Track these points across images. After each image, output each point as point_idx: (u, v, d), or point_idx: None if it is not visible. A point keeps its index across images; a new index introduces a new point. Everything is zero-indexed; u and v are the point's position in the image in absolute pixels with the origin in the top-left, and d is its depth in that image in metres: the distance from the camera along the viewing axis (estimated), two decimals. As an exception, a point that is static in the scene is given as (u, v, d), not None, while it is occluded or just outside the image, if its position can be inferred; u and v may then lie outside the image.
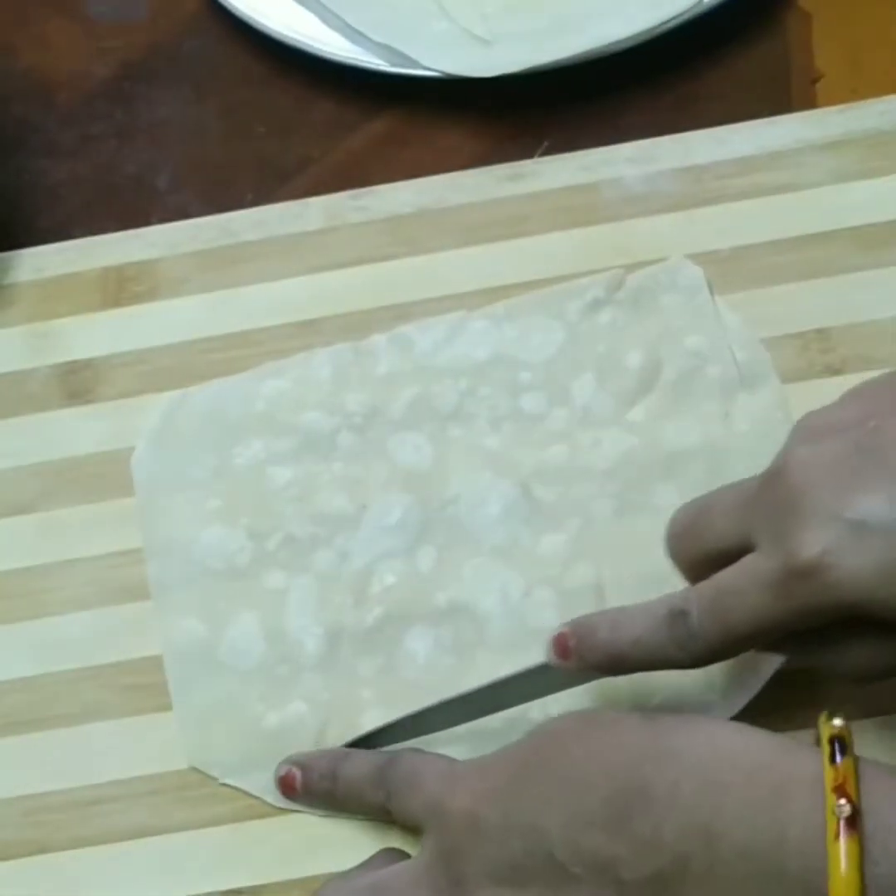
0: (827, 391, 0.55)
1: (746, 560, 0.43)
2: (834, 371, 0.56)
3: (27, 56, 0.69)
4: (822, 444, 0.43)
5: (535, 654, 0.51)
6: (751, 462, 0.54)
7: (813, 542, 0.41)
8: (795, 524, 0.42)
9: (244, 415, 0.58)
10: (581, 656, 0.46)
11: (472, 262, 0.60)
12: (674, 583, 0.52)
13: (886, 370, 0.55)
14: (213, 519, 0.56)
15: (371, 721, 0.52)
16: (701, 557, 0.46)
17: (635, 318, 0.58)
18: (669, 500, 0.54)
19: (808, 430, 0.44)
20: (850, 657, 0.43)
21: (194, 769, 0.52)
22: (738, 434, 0.55)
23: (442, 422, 0.57)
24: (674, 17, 0.63)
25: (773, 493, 0.43)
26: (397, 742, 0.51)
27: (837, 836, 0.38)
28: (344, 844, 0.50)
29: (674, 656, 0.45)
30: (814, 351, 0.57)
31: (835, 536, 0.41)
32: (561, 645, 0.46)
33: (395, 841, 0.50)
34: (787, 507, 0.42)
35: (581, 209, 0.60)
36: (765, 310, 0.58)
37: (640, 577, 0.52)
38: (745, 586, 0.43)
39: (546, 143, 0.63)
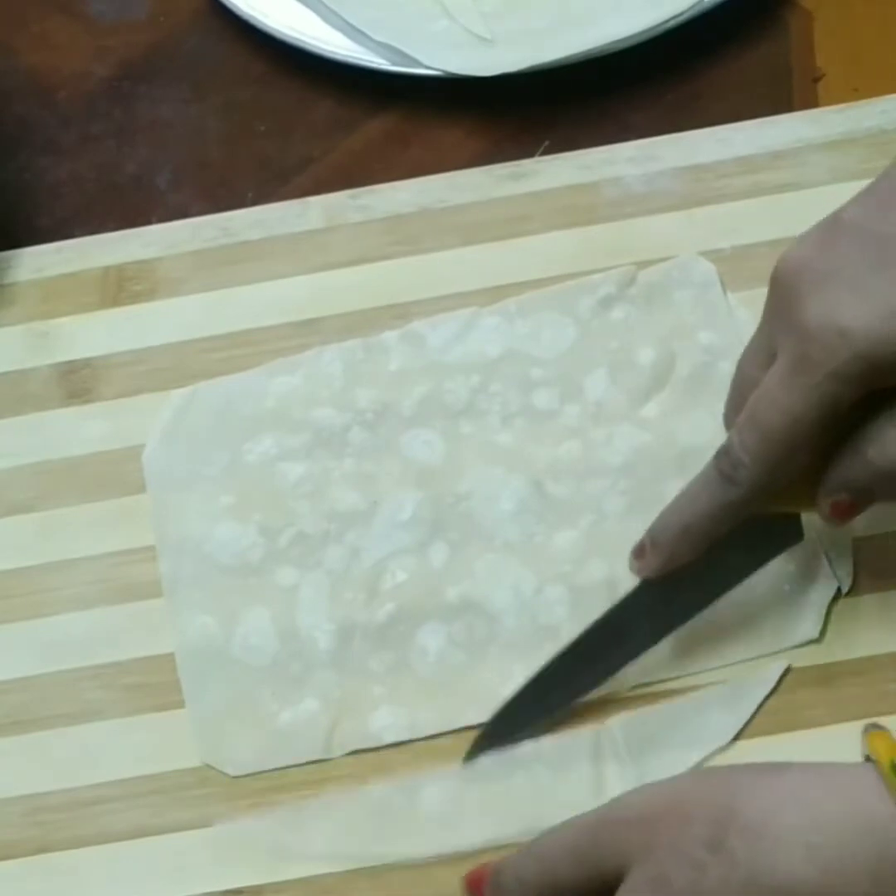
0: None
1: (770, 371, 0.45)
2: (835, 370, 0.56)
3: (28, 55, 0.69)
4: (797, 240, 0.46)
5: (547, 650, 0.51)
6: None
7: (815, 307, 0.43)
8: (796, 304, 0.44)
9: (255, 411, 0.58)
10: (656, 546, 0.49)
11: (472, 261, 0.60)
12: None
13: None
14: (225, 515, 0.56)
15: (382, 718, 0.52)
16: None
17: (648, 314, 0.58)
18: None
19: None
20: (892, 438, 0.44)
21: (207, 766, 0.52)
22: None
23: (454, 418, 0.57)
24: (674, 17, 0.63)
25: (772, 301, 0.45)
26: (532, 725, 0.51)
27: None
28: (344, 844, 0.50)
29: (727, 496, 0.46)
30: (815, 350, 0.57)
31: (835, 293, 0.43)
32: (639, 549, 0.50)
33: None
34: (784, 299, 0.44)
35: (582, 208, 0.60)
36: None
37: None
38: (770, 387, 0.45)
39: (547, 143, 0.63)
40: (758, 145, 0.60)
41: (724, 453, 0.46)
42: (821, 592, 0.52)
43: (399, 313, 0.59)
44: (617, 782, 0.49)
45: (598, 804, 0.44)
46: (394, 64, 0.64)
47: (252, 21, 0.66)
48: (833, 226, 0.45)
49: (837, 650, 0.51)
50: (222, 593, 0.54)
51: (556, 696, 0.51)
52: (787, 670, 0.51)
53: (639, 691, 0.51)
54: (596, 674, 0.51)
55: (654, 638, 0.51)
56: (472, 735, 0.51)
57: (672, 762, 0.49)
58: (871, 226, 0.44)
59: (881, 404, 0.44)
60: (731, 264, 0.58)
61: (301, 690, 0.53)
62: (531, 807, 0.50)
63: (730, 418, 0.49)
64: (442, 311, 0.59)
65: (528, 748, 0.51)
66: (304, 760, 0.52)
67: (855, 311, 0.42)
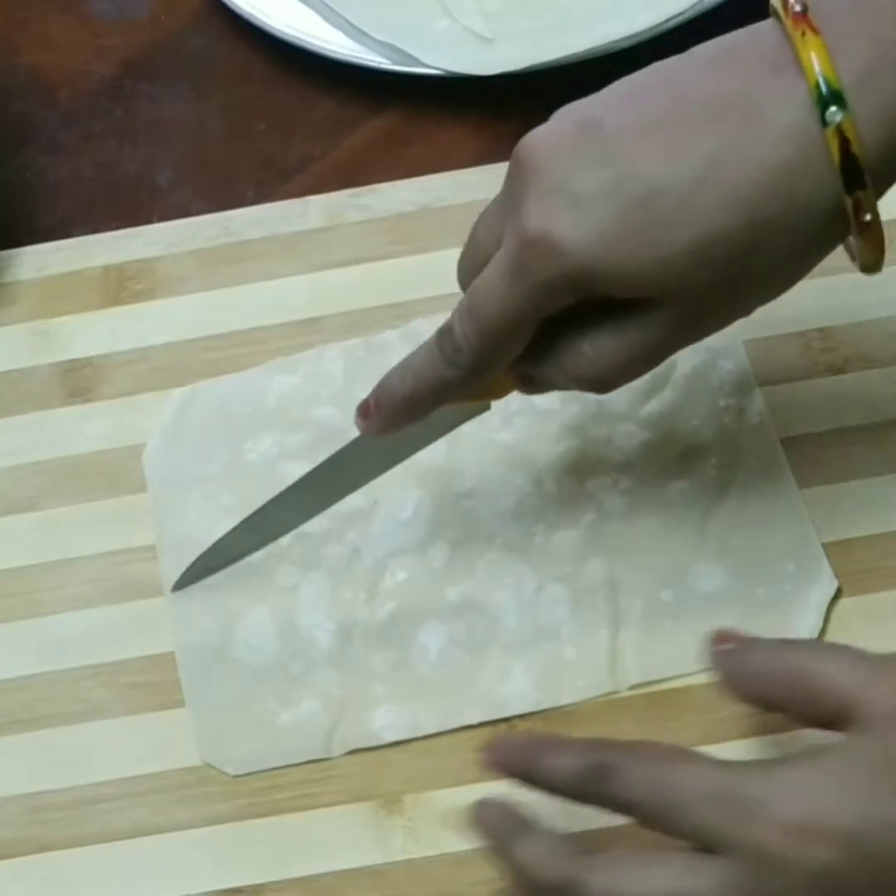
0: (828, 391, 0.56)
1: (494, 256, 0.45)
2: (835, 370, 0.56)
3: (29, 54, 0.69)
4: (553, 124, 0.45)
5: (548, 650, 0.52)
6: (764, 458, 0.54)
7: (537, 214, 0.42)
8: (524, 199, 0.43)
9: (255, 410, 0.58)
10: (380, 409, 0.48)
11: (472, 260, 0.60)
12: (688, 577, 0.52)
13: (887, 369, 0.56)
14: (225, 515, 0.55)
15: (382, 717, 0.52)
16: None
17: (649, 313, 0.58)
18: (683, 496, 0.54)
19: (554, 116, 0.45)
20: (584, 355, 0.45)
21: (207, 765, 0.52)
22: (751, 429, 0.55)
23: None
24: (675, 16, 0.63)
25: (510, 180, 0.45)
26: (245, 551, 0.54)
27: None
28: (344, 844, 0.50)
29: (449, 375, 0.46)
30: (815, 350, 0.57)
31: (558, 207, 0.42)
32: (364, 408, 0.49)
33: (398, 840, 0.50)
34: (518, 186, 0.44)
35: (582, 208, 0.60)
36: (766, 309, 0.57)
37: (653, 573, 0.53)
38: (490, 278, 0.45)
39: (547, 142, 0.63)
40: (758, 145, 0.60)
41: (447, 332, 0.46)
42: (821, 592, 0.52)
43: (400, 312, 0.59)
44: None
45: None
46: (395, 63, 0.64)
47: (253, 20, 0.66)
48: (587, 128, 0.43)
49: (837, 650, 0.52)
50: (222, 593, 0.55)
51: (274, 527, 0.53)
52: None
53: (638, 691, 0.52)
54: (316, 505, 0.53)
55: (367, 478, 0.52)
56: (471, 734, 0.51)
57: None
58: (618, 150, 0.42)
59: (586, 315, 0.44)
60: (731, 264, 0.58)
61: (301, 690, 0.53)
62: None
63: (462, 276, 0.48)
64: (443, 310, 0.58)
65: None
66: (304, 760, 0.52)
67: (570, 230, 0.42)
